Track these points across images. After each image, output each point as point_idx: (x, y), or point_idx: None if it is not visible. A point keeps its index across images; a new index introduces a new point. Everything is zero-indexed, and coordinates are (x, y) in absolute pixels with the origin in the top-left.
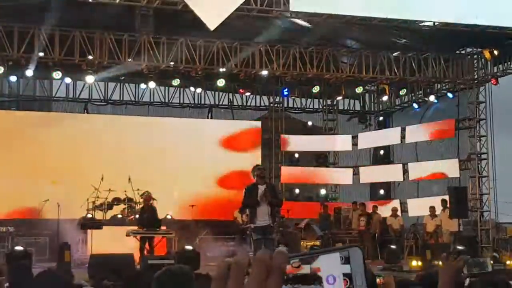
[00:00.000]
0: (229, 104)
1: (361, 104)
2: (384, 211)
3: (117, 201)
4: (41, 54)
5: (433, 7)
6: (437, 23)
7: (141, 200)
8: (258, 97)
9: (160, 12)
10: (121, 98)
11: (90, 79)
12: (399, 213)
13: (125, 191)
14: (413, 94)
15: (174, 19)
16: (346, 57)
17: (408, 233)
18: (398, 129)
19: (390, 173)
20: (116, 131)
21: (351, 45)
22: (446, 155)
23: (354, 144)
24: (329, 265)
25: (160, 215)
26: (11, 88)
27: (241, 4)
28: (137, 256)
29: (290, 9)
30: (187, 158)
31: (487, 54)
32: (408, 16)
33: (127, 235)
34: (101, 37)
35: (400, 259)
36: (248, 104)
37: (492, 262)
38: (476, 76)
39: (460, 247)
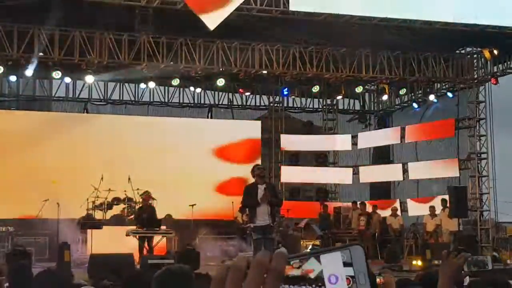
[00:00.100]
0: (229, 104)
1: (361, 104)
2: (384, 210)
3: (117, 201)
4: (41, 54)
5: (433, 6)
6: (437, 23)
7: (141, 199)
8: (258, 96)
9: (159, 12)
10: (121, 98)
11: (90, 79)
12: (399, 212)
13: (125, 191)
14: (413, 94)
15: (174, 19)
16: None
17: (408, 233)
18: (398, 128)
19: (390, 172)
20: (116, 131)
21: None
22: (446, 154)
23: (354, 143)
24: (331, 265)
25: (160, 215)
26: (11, 88)
27: (241, 4)
28: (136, 256)
29: (290, 8)
30: (187, 158)
31: (486, 53)
32: (408, 15)
33: (127, 235)
34: (101, 37)
35: (400, 259)
36: (248, 103)
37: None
38: (476, 76)
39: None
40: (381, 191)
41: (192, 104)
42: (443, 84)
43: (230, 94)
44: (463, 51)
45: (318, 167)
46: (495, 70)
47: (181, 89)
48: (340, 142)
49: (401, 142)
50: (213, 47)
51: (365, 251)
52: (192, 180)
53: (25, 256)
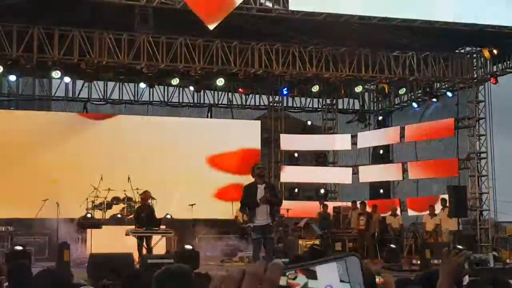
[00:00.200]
0: (229, 103)
1: (361, 104)
2: (384, 210)
3: (116, 200)
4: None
5: (432, 6)
6: (436, 22)
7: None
8: (257, 96)
9: (159, 12)
10: (121, 98)
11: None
12: (398, 212)
13: (124, 190)
14: (412, 93)
15: (173, 19)
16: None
17: (408, 232)
18: (398, 128)
19: (390, 172)
20: (115, 130)
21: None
22: (445, 154)
23: (354, 143)
24: (326, 275)
25: (160, 215)
26: (11, 88)
27: (241, 3)
28: (135, 256)
29: (290, 8)
30: (187, 158)
31: (486, 53)
32: (407, 15)
33: (126, 235)
34: (100, 37)
35: (400, 258)
36: (248, 103)
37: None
38: (475, 75)
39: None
40: (381, 191)
41: (191, 104)
42: (443, 83)
43: (230, 94)
44: (462, 51)
45: (317, 166)
46: (495, 69)
47: (181, 88)
48: (340, 141)
49: (400, 141)
50: (213, 46)
51: (361, 262)
52: (191, 179)
53: (25, 256)
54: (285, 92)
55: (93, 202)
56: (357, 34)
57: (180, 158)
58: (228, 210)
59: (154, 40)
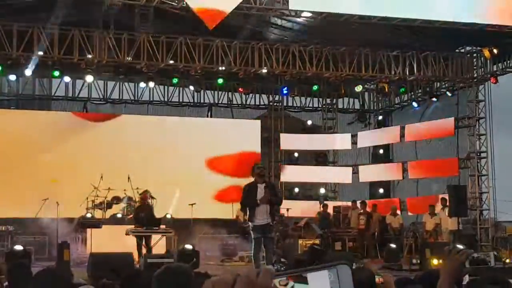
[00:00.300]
0: (229, 103)
1: (361, 103)
2: (384, 209)
3: (116, 200)
4: (41, 53)
5: (432, 5)
6: (436, 22)
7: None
8: (257, 95)
9: (159, 11)
10: (121, 97)
11: (89, 78)
12: (398, 211)
13: (124, 190)
14: (412, 93)
15: (173, 18)
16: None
17: (408, 232)
18: (398, 127)
19: (390, 172)
20: (115, 130)
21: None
22: (445, 153)
23: (354, 143)
24: (318, 283)
25: (160, 214)
26: (11, 87)
27: (241, 3)
28: (135, 255)
29: (290, 7)
30: (187, 157)
31: (486, 52)
32: (407, 14)
33: (126, 234)
34: (100, 36)
35: (400, 258)
36: (248, 103)
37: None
38: (475, 75)
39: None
40: (381, 191)
41: (191, 103)
42: (443, 83)
43: (230, 93)
44: (462, 50)
45: (317, 166)
46: (495, 69)
47: (181, 88)
48: (340, 141)
49: (400, 141)
50: (213, 46)
51: (352, 270)
52: (191, 180)
53: (25, 255)
54: (285, 92)
55: (93, 201)
56: (357, 33)
57: (180, 158)
58: (229, 210)
59: (154, 39)
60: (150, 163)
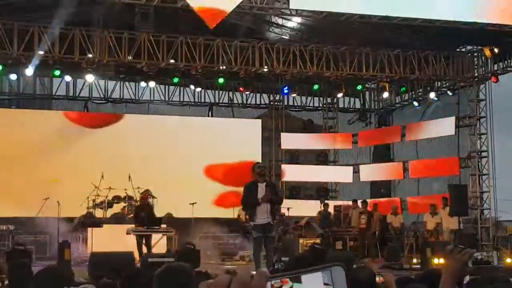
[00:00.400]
0: (229, 102)
1: (361, 102)
2: (385, 209)
3: (117, 199)
4: (41, 52)
5: (433, 5)
6: (437, 21)
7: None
8: (258, 95)
9: (160, 10)
10: (121, 96)
11: (90, 77)
12: (399, 211)
13: (125, 189)
14: (413, 92)
15: (174, 17)
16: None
17: (409, 231)
18: (399, 127)
19: (391, 171)
20: (116, 129)
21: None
22: (446, 153)
23: (354, 142)
24: (312, 285)
25: (161, 213)
26: (11, 87)
27: (241, 2)
28: (135, 254)
29: (290, 7)
30: (187, 157)
31: (487, 52)
32: (408, 14)
33: (127, 233)
34: (101, 35)
35: (401, 257)
36: (248, 102)
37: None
38: (476, 74)
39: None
40: (382, 190)
41: (192, 103)
42: (444, 82)
43: (231, 93)
44: (463, 49)
45: (318, 165)
46: (496, 68)
47: (182, 87)
48: (341, 140)
49: (401, 140)
50: (214, 45)
51: (346, 271)
52: (192, 181)
53: (26, 255)
54: (285, 91)
55: (94, 201)
56: (357, 32)
57: (181, 157)
58: (229, 210)
59: (155, 38)
60: (151, 163)
